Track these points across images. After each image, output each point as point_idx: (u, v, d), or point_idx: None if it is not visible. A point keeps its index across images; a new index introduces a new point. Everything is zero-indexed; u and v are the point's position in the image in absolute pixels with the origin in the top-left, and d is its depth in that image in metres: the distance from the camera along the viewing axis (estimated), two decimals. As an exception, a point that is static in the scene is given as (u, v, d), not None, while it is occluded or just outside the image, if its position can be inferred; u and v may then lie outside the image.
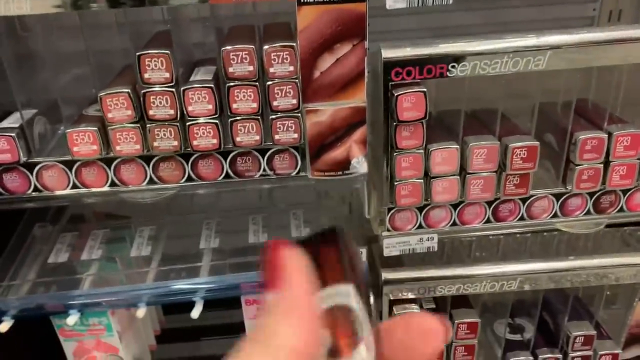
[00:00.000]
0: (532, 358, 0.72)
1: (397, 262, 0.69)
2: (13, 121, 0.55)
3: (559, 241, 0.76)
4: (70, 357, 0.71)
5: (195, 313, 0.64)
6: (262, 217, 0.78)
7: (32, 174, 0.56)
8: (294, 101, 0.53)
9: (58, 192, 0.57)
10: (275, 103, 0.53)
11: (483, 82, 0.60)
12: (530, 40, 0.53)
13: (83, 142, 0.53)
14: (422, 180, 0.58)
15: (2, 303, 0.64)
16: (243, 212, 0.80)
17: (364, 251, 0.66)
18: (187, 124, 0.53)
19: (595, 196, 0.62)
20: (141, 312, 0.65)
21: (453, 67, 0.53)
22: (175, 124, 0.53)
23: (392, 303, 0.67)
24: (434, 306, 0.71)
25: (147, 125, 0.53)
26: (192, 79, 0.54)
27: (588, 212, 0.63)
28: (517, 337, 0.75)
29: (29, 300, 0.64)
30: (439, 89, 0.61)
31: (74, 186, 0.57)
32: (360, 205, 0.93)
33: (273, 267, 0.23)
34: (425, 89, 0.52)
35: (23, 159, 0.54)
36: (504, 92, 0.60)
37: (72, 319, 0.65)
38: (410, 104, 0.53)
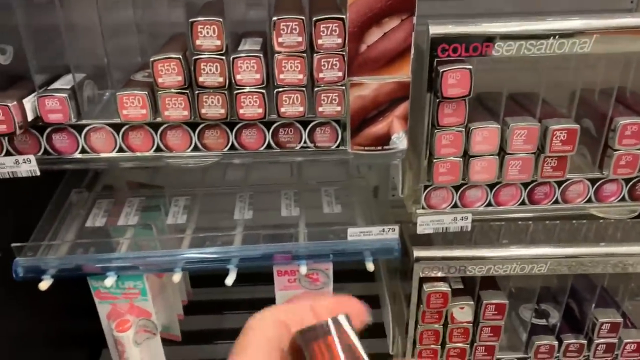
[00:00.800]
0: (557, 342, 0.73)
1: (426, 242, 0.70)
2: (64, 83, 0.57)
3: (587, 229, 0.76)
4: (103, 320, 0.73)
5: (230, 280, 0.66)
6: (294, 192, 0.80)
7: (80, 135, 0.57)
8: (340, 74, 0.54)
9: (104, 155, 0.59)
10: (321, 75, 0.54)
11: (520, 70, 0.61)
12: (577, 23, 0.53)
13: (133, 105, 0.54)
14: (460, 159, 0.59)
15: (43, 262, 0.66)
16: (275, 188, 0.81)
17: (396, 228, 0.67)
18: (235, 92, 0.54)
19: (631, 183, 0.62)
20: (177, 276, 0.66)
21: (499, 46, 0.53)
22: (223, 91, 0.54)
23: (422, 281, 0.68)
24: (462, 286, 0.71)
25: (196, 92, 0.54)
26: (240, 49, 0.55)
27: (623, 199, 0.63)
28: (543, 321, 0.76)
29: (68, 260, 0.66)
30: (476, 72, 0.61)
31: (120, 149, 0.58)
32: (385, 188, 0.94)
33: None
34: (471, 66, 0.53)
35: (73, 119, 0.56)
36: (541, 80, 0.60)
37: (110, 280, 0.66)
38: (455, 80, 0.53)
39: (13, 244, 0.65)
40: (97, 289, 0.70)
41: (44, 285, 0.65)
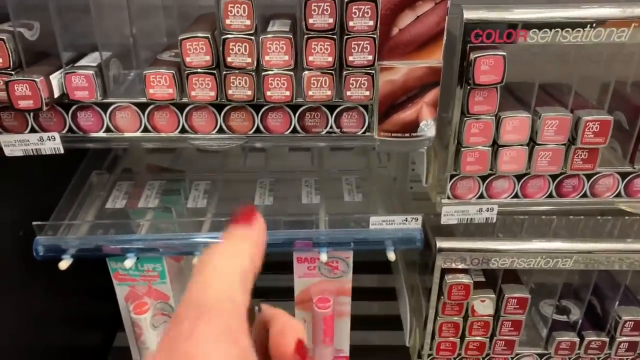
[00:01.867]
0: (578, 339, 0.72)
1: (447, 232, 0.69)
2: (91, 60, 0.57)
3: (612, 226, 0.75)
4: (121, 302, 0.73)
5: (250, 266, 0.65)
6: (314, 180, 0.79)
7: (105, 113, 0.57)
8: (370, 57, 0.53)
9: (128, 134, 0.58)
10: (351, 58, 0.53)
11: (550, 61, 0.60)
12: (615, 11, 0.52)
13: (159, 84, 0.54)
14: (489, 148, 0.58)
15: (63, 241, 0.65)
16: (295, 175, 0.81)
17: (419, 218, 0.66)
18: (263, 74, 0.53)
19: (663, 178, 0.61)
20: (196, 260, 0.66)
21: (534, 33, 0.52)
22: (251, 72, 0.53)
23: (444, 272, 0.67)
24: (483, 279, 0.70)
25: (223, 73, 0.53)
26: (269, 29, 0.55)
27: (653, 194, 0.62)
28: (564, 318, 0.75)
29: (88, 240, 0.66)
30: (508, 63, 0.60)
31: (145, 129, 0.58)
32: (404, 179, 0.93)
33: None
34: (504, 53, 0.52)
35: (99, 97, 0.55)
36: (573, 71, 0.59)
37: (129, 262, 0.66)
38: (488, 67, 0.52)
39: (34, 223, 0.65)
40: (116, 270, 0.70)
41: (64, 264, 0.65)
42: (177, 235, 0.66)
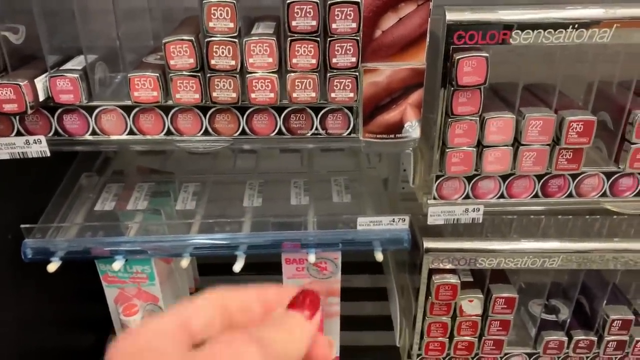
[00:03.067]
0: (566, 338, 0.72)
1: (436, 233, 0.69)
2: (76, 64, 0.57)
3: (600, 225, 0.75)
4: (111, 304, 0.73)
5: (237, 267, 0.65)
6: (304, 181, 0.79)
7: (91, 116, 0.57)
8: (354, 59, 0.53)
9: (114, 137, 0.58)
10: (334, 60, 0.53)
11: (536, 62, 0.60)
12: (597, 12, 0.52)
13: (144, 87, 0.54)
14: (474, 149, 0.58)
15: (51, 244, 0.66)
16: (284, 176, 0.81)
17: (406, 219, 0.66)
18: (247, 76, 0.53)
19: (647, 177, 0.61)
20: (185, 262, 0.66)
21: (517, 34, 0.52)
22: (235, 74, 0.53)
23: (431, 273, 0.67)
24: (471, 279, 0.71)
25: (208, 75, 0.53)
26: (253, 32, 0.55)
27: (638, 194, 0.62)
28: (552, 317, 0.75)
29: (76, 243, 0.66)
30: (491, 64, 0.60)
31: (131, 132, 0.58)
32: (395, 180, 0.94)
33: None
34: (487, 54, 0.52)
35: (84, 100, 0.55)
36: (558, 71, 0.59)
37: (118, 264, 0.66)
38: (470, 68, 0.52)
39: (22, 225, 0.65)
40: (105, 272, 0.70)
41: (52, 267, 0.65)
42: (165, 237, 0.66)
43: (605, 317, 0.71)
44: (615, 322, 0.70)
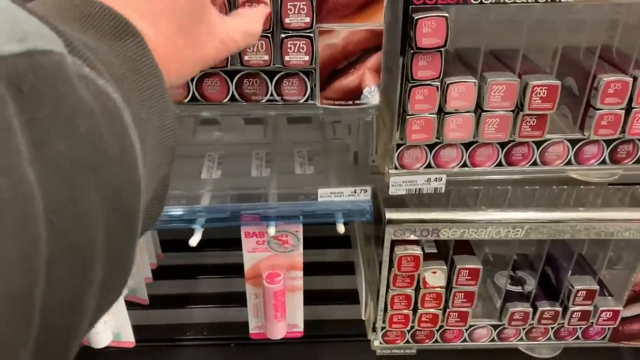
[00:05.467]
0: (531, 309, 0.71)
1: (400, 205, 0.67)
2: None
3: (567, 195, 0.74)
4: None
5: (194, 241, 0.63)
6: (266, 153, 0.77)
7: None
8: (307, 19, 0.50)
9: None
10: (287, 20, 0.50)
11: (502, 26, 0.58)
12: (562, -30, 0.50)
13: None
14: (435, 116, 0.56)
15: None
16: (246, 148, 0.78)
17: (368, 189, 0.64)
18: (194, 37, 0.50)
19: (612, 145, 0.60)
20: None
21: (478, -8, 0.50)
22: (181, 36, 0.50)
23: (394, 243, 0.65)
24: (435, 251, 0.69)
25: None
26: (201, -9, 0.52)
27: (603, 162, 0.61)
28: (518, 288, 0.74)
29: None
30: (456, 28, 0.58)
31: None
32: (366, 153, 0.92)
33: None
34: (447, 14, 0.50)
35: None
36: (524, 36, 0.57)
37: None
38: (430, 29, 0.50)
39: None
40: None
41: None
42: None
43: (570, 287, 0.70)
44: (580, 292, 0.69)
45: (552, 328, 0.74)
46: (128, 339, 0.77)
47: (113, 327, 0.75)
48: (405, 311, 0.70)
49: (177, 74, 0.34)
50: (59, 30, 0.22)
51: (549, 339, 0.75)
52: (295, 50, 0.52)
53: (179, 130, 0.31)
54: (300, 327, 0.77)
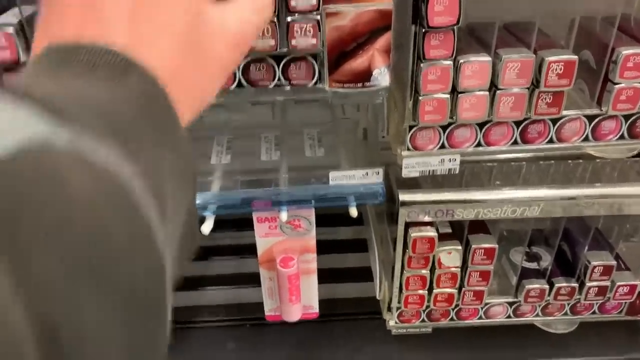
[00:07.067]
0: (547, 286, 0.71)
1: (414, 185, 0.66)
2: (10, 17, 0.52)
3: (583, 170, 0.73)
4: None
5: (206, 228, 0.63)
6: (275, 136, 0.75)
7: (33, 75, 0.52)
8: (314, 1, 0.49)
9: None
10: (293, 3, 0.48)
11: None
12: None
13: (86, 40, 0.49)
14: (448, 96, 0.54)
15: None
16: (254, 131, 0.77)
17: (380, 171, 0.63)
18: (198, 23, 0.49)
19: (631, 119, 0.58)
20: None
21: (491, -33, 0.48)
22: (184, 23, 0.49)
23: (408, 225, 0.65)
24: (450, 230, 0.69)
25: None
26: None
27: (621, 137, 0.59)
28: (534, 265, 0.73)
29: None
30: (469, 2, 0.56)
31: (78, 90, 0.53)
32: (375, 129, 0.90)
33: None
34: (459, -9, 0.48)
35: (22, 58, 0.51)
36: (538, 8, 0.55)
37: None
38: (442, 7, 0.48)
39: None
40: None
41: None
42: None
43: (587, 263, 0.69)
44: (597, 268, 0.69)
45: (569, 304, 0.74)
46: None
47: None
48: (420, 291, 0.70)
49: (193, 96, 0.30)
50: (48, 102, 0.19)
51: (565, 314, 0.75)
52: (302, 34, 0.50)
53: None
54: (315, 308, 0.78)
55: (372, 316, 0.83)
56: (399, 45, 0.53)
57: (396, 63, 0.55)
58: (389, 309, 0.75)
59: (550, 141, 0.59)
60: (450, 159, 0.59)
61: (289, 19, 0.49)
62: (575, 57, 0.52)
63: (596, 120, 0.58)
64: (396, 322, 0.75)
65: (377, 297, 0.79)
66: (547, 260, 0.74)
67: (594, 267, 0.68)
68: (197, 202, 0.64)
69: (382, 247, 0.79)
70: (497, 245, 0.67)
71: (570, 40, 0.57)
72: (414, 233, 0.64)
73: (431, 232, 0.64)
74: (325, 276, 0.78)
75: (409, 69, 0.53)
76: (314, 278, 0.74)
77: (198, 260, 0.93)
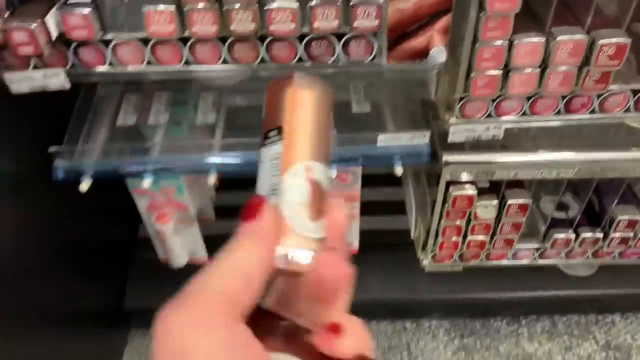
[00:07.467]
0: (574, 235, 0.76)
1: (454, 145, 0.69)
2: (84, -6, 0.54)
3: (614, 134, 0.75)
4: (143, 212, 0.77)
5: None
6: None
7: (107, 48, 0.55)
8: (378, -14, 0.50)
9: (132, 68, 0.57)
10: (358, -12, 0.50)
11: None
12: None
13: (159, 22, 0.52)
14: (500, 72, 0.56)
15: (82, 164, 0.67)
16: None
17: (427, 135, 0.66)
18: (265, 8, 0.51)
19: (674, 94, 0.60)
20: (211, 179, 0.68)
21: (556, -46, 0.48)
22: (254, 7, 0.51)
23: (449, 184, 0.69)
24: (487, 185, 0.73)
25: (224, 8, 0.51)
26: (269, -45, 0.51)
27: (663, 109, 0.62)
28: (562, 214, 0.78)
29: (104, 164, 0.68)
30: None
31: (149, 62, 0.57)
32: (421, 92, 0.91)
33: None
34: (522, -19, 0.49)
35: (99, 35, 0.54)
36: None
37: (147, 182, 0.69)
38: (503, -4, 0.49)
39: (51, 148, 0.66)
40: (135, 186, 0.73)
41: (85, 186, 0.68)
42: (190, 157, 0.68)
43: (613, 216, 0.74)
44: (622, 222, 0.73)
45: (591, 250, 0.79)
46: (202, 254, 0.86)
47: (188, 247, 0.84)
48: (455, 238, 0.76)
49: None
50: None
51: (587, 258, 0.81)
52: (365, 17, 0.52)
53: None
54: (355, 245, 0.85)
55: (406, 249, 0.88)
56: (456, 25, 0.55)
57: (451, 40, 0.56)
58: (424, 247, 0.81)
59: (593, 112, 0.62)
60: (495, 127, 0.63)
61: (353, 2, 0.51)
62: (628, 40, 0.54)
63: (640, 93, 0.60)
64: (430, 262, 0.82)
65: (412, 237, 0.86)
66: (574, 209, 0.79)
67: (620, 221, 0.73)
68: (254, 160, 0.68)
69: (418, 187, 0.84)
70: (531, 201, 0.71)
71: (626, 12, 0.57)
72: (455, 191, 0.69)
73: (471, 191, 0.69)
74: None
75: (465, 47, 0.55)
76: (357, 222, 0.80)
77: (244, 190, 0.99)
